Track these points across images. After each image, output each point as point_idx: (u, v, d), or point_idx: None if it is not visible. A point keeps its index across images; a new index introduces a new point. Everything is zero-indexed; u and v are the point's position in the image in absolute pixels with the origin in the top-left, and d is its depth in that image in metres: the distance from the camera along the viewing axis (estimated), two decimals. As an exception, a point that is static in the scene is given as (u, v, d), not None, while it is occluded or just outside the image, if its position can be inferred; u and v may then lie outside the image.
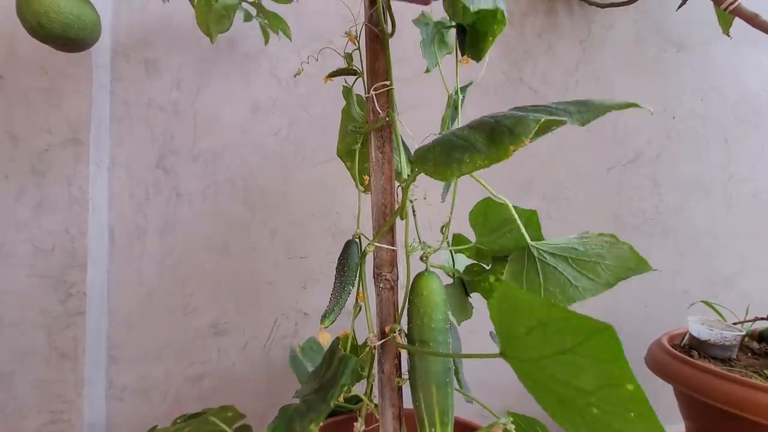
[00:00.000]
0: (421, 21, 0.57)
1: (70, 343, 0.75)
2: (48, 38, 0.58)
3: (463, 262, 0.58)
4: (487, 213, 0.51)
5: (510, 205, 0.45)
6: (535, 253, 0.46)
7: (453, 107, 0.57)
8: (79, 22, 0.59)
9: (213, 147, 0.82)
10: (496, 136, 0.27)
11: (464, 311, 0.58)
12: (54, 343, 0.75)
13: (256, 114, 0.83)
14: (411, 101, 0.87)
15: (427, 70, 0.57)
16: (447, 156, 0.30)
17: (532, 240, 0.46)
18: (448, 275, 0.59)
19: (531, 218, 0.48)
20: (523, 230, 0.45)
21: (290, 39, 0.75)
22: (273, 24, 0.72)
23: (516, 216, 0.45)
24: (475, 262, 0.55)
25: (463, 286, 0.58)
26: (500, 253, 0.52)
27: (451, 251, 0.56)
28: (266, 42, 0.77)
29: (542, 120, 0.25)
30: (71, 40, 0.59)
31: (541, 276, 0.44)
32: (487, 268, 0.55)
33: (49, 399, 0.75)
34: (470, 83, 0.60)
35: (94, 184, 0.76)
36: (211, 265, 0.82)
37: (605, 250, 0.44)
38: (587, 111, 0.26)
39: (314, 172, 0.85)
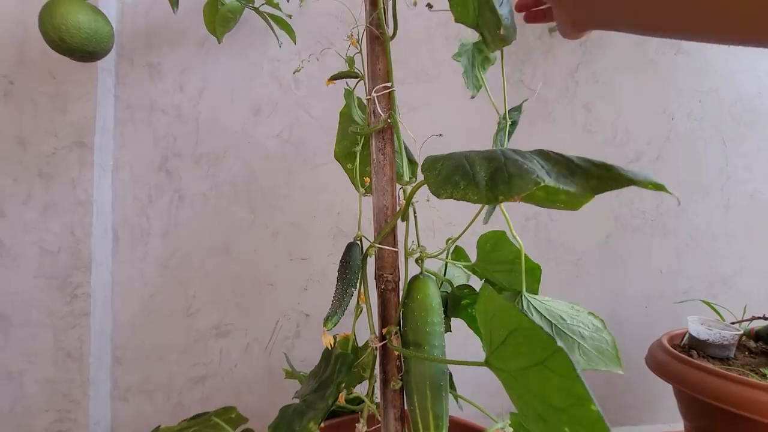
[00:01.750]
0: (460, 51, 0.58)
1: (76, 343, 0.76)
2: (67, 51, 0.62)
3: (454, 275, 0.58)
4: (497, 244, 0.52)
5: (522, 250, 0.46)
6: (524, 305, 0.47)
7: (501, 131, 0.57)
8: (96, 36, 0.62)
9: (215, 149, 0.83)
10: (496, 179, 0.26)
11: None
12: (60, 344, 0.76)
13: (258, 116, 0.84)
14: (411, 103, 0.88)
15: (473, 96, 0.58)
16: (449, 175, 0.29)
17: (527, 290, 0.47)
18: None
19: (534, 270, 0.49)
20: (523, 278, 0.47)
21: (294, 42, 0.76)
22: (280, 24, 0.75)
23: (522, 263, 0.46)
24: (467, 284, 0.55)
25: (446, 305, 0.57)
26: (492, 282, 0.53)
27: (447, 262, 0.57)
28: (280, 44, 0.81)
29: (543, 183, 0.24)
30: (89, 53, 0.63)
31: None
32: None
33: (56, 398, 0.76)
34: (525, 100, 0.61)
35: (98, 186, 0.77)
36: (213, 266, 0.83)
37: (589, 333, 0.45)
38: (609, 179, 0.25)
39: (315, 173, 0.86)
